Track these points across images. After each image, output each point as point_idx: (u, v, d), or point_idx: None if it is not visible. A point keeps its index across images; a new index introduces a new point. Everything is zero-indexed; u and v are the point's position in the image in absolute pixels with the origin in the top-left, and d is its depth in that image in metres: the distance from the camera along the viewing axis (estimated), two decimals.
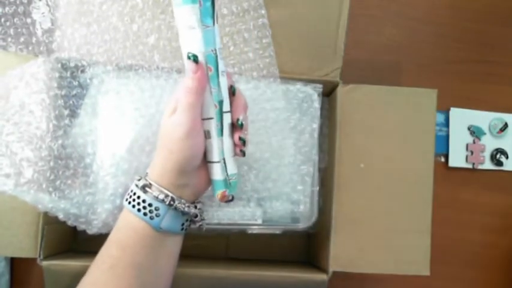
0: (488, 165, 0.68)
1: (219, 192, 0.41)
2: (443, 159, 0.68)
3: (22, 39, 0.48)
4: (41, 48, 0.48)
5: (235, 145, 0.41)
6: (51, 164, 0.46)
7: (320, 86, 0.51)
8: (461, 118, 0.68)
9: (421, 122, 0.51)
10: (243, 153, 0.41)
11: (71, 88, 0.49)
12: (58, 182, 0.46)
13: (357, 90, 0.51)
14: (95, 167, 0.47)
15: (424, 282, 0.59)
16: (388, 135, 0.51)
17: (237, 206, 0.50)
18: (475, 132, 0.68)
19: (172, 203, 0.39)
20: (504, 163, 0.68)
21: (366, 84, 0.51)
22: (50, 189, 0.46)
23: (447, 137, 0.68)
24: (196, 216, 0.41)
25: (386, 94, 0.51)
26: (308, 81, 0.51)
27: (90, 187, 0.47)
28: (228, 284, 0.48)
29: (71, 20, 0.48)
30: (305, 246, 0.61)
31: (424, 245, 0.49)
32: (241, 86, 0.48)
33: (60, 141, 0.47)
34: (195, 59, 0.37)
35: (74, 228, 0.46)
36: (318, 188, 0.52)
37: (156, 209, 0.39)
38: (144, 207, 0.39)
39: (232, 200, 0.42)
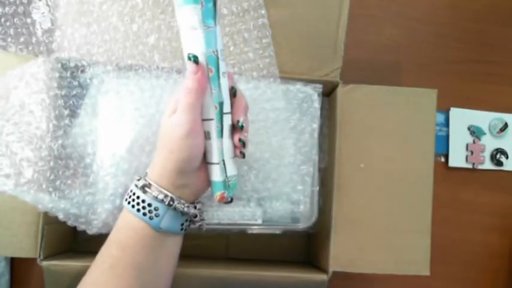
0: (488, 165, 0.68)
1: (217, 194, 0.41)
2: (443, 159, 0.67)
3: (22, 39, 0.48)
4: (41, 48, 0.48)
5: (235, 147, 0.41)
6: (51, 164, 0.46)
7: (320, 86, 0.51)
8: (461, 118, 0.68)
9: (421, 122, 0.51)
10: (243, 155, 0.41)
11: (71, 88, 0.49)
12: (58, 182, 0.46)
13: (357, 90, 0.51)
14: (95, 167, 0.47)
15: (424, 282, 0.59)
16: (388, 135, 0.51)
17: (237, 206, 0.50)
18: (475, 132, 0.68)
19: (171, 203, 0.39)
20: (504, 163, 0.68)
21: (365, 84, 0.51)
22: (50, 189, 0.46)
23: (447, 137, 0.68)
24: (195, 216, 0.41)
25: (386, 94, 0.51)
26: (308, 81, 0.51)
27: (90, 187, 0.47)
28: (228, 284, 0.48)
29: (71, 20, 0.48)
30: (305, 246, 0.61)
31: (424, 245, 0.49)
32: (241, 86, 0.48)
33: (60, 141, 0.47)
34: (196, 60, 0.37)
35: (74, 228, 0.46)
36: (318, 188, 0.52)
37: (156, 209, 0.39)
38: (144, 207, 0.39)
39: (231, 201, 0.42)
